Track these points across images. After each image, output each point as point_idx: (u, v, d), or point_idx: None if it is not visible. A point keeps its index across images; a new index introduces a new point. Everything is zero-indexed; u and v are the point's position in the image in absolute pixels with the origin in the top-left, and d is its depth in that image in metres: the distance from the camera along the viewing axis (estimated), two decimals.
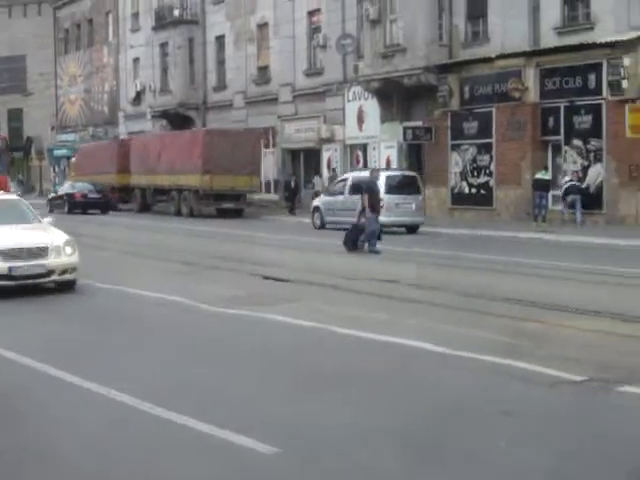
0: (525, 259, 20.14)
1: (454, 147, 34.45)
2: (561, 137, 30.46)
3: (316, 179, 40.74)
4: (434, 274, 17.64)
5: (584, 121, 29.62)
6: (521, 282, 16.16)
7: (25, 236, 15.14)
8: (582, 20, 29.93)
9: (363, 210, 22.82)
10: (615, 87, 28.14)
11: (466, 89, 33.65)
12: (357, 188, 28.40)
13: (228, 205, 40.12)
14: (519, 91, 31.19)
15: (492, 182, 32.90)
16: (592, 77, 29.05)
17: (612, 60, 28.15)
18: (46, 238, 15.12)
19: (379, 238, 22.59)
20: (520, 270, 18.08)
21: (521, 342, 10.47)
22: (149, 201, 45.25)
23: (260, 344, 10.61)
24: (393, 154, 37.00)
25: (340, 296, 14.61)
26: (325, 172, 40.76)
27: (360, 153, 39.42)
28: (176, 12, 51.46)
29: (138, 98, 57.53)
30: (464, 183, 34.19)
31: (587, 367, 9.00)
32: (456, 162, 34.42)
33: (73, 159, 56.32)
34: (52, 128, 71.02)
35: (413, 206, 29.41)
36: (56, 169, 68.58)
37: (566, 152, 30.40)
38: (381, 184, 26.97)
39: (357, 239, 22.18)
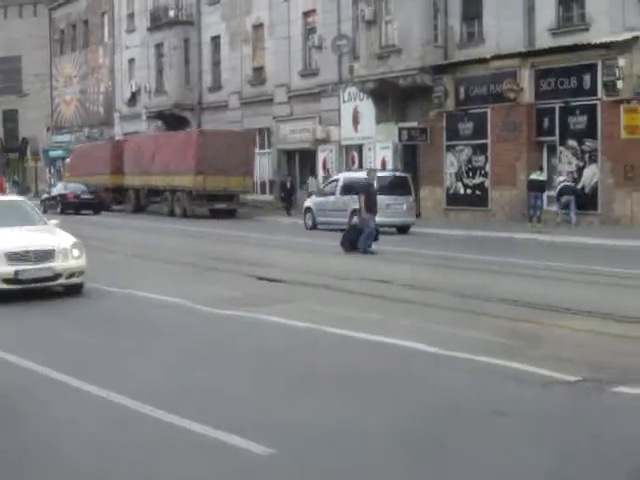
0: (520, 260, 20.16)
1: (449, 148, 34.47)
2: (556, 138, 30.49)
3: (310, 180, 40.79)
4: (427, 274, 17.68)
5: (579, 122, 29.65)
6: (516, 283, 16.19)
7: (31, 238, 14.77)
8: (577, 21, 29.95)
9: (359, 210, 22.80)
10: (610, 88, 28.15)
11: (461, 90, 33.67)
12: (349, 189, 28.58)
13: (221, 205, 40.32)
14: (514, 92, 31.21)
15: (487, 183, 32.92)
16: (587, 78, 29.08)
17: (607, 61, 28.19)
18: (53, 240, 14.77)
19: (376, 239, 22.72)
20: (515, 271, 18.12)
21: (515, 342, 10.49)
22: (143, 202, 45.52)
23: (256, 345, 10.65)
24: (388, 155, 37.01)
25: (333, 296, 14.65)
26: (321, 173, 40.77)
27: (355, 154, 39.43)
28: (171, 13, 51.50)
29: (133, 99, 57.54)
30: (459, 184, 34.20)
31: (581, 367, 9.03)
32: (451, 163, 34.44)
33: (67, 160, 56.43)
34: (47, 129, 70.99)
35: (404, 207, 29.53)
36: (52, 170, 68.58)
37: (561, 153, 30.43)
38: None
39: (355, 240, 22.21)
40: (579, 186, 29.46)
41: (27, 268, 14.03)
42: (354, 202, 29.04)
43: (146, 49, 54.01)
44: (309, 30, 42.40)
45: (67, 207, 43.13)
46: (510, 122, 31.56)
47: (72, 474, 6.33)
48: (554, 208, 29.68)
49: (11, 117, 76.94)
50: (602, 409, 7.75)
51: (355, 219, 22.39)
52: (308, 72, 42.35)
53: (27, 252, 14.19)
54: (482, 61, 32.23)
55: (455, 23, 34.08)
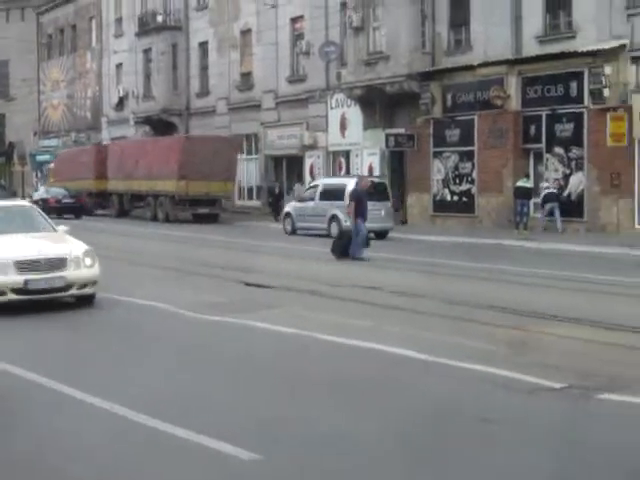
0: (508, 266, 20.26)
1: (436, 154, 34.56)
2: (543, 145, 30.61)
3: (297, 186, 40.75)
4: (417, 281, 17.73)
5: (566, 129, 29.79)
6: (504, 290, 16.28)
7: (41, 246, 14.06)
8: (564, 29, 30.09)
9: (350, 217, 22.89)
10: (597, 95, 28.30)
11: (448, 97, 33.78)
12: (328, 195, 28.80)
13: (203, 210, 40.55)
14: (501, 99, 31.34)
15: (474, 189, 33.02)
16: (574, 85, 29.22)
17: (594, 69, 28.33)
18: (64, 248, 14.04)
19: (367, 245, 22.84)
20: (503, 277, 18.19)
21: (502, 349, 10.58)
22: (126, 207, 45.79)
23: (245, 352, 10.70)
24: (375, 161, 37.10)
25: (324, 303, 14.70)
26: (308, 179, 40.81)
27: (343, 160, 39.50)
28: (159, 18, 51.48)
29: (121, 104, 57.48)
30: (446, 190, 34.29)
31: (567, 374, 9.11)
32: (438, 169, 34.53)
33: (52, 165, 56.36)
34: (35, 133, 70.79)
35: (382, 212, 29.72)
36: (38, 174, 68.33)
37: (548, 160, 30.56)
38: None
39: (346, 246, 22.29)
40: (565, 193, 29.60)
41: (38, 277, 13.33)
42: (333, 208, 29.41)
43: (134, 54, 53.97)
44: (297, 36, 42.47)
45: (49, 211, 42.86)
46: (497, 129, 31.69)
47: None
48: (539, 215, 29.82)
49: None
50: (588, 416, 7.83)
51: (347, 224, 22.43)
52: (296, 78, 42.42)
53: (38, 260, 13.51)
54: (469, 68, 32.34)
55: (443, 30, 34.20)
